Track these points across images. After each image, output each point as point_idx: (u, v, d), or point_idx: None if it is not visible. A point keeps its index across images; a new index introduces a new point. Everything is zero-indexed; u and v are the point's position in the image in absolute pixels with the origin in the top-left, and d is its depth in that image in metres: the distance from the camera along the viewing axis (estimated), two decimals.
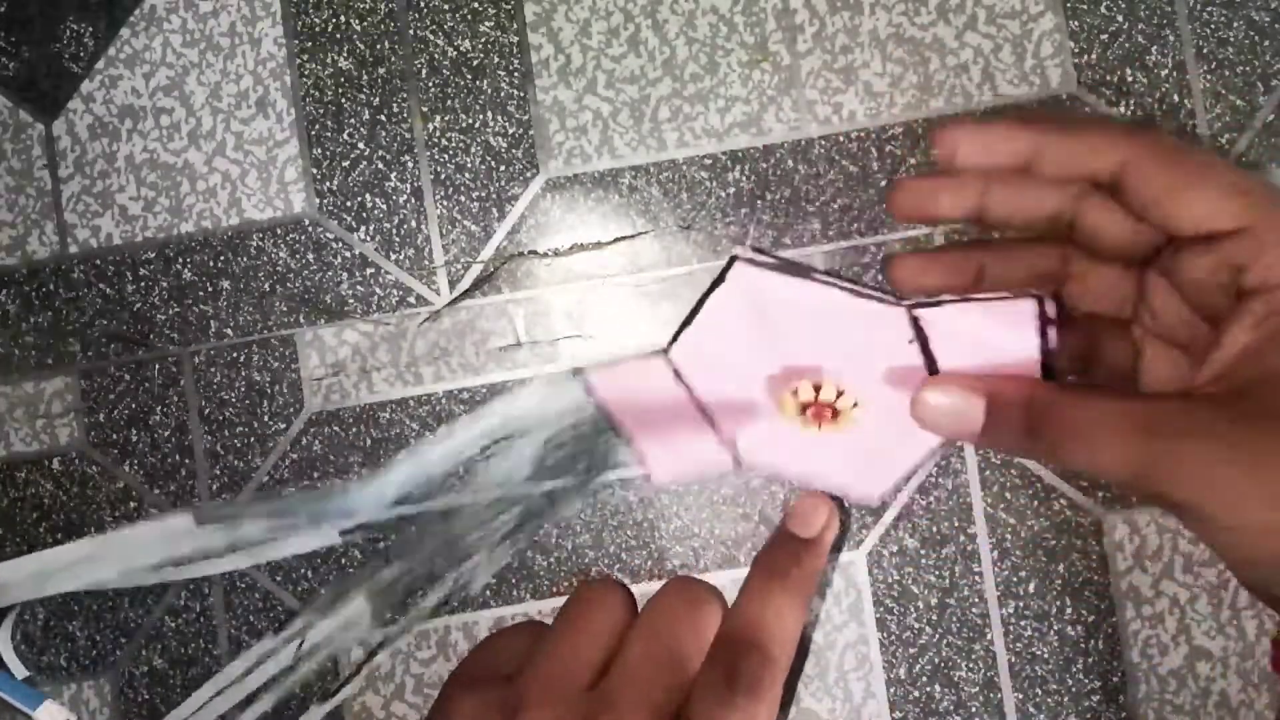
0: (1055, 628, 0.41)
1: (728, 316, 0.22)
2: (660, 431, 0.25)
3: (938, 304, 0.20)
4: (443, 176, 0.43)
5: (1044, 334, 0.20)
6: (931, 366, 0.21)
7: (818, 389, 0.22)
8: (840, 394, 0.22)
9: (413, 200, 0.43)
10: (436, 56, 0.44)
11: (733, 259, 0.21)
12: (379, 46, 0.44)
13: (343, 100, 0.44)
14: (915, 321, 0.21)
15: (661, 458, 0.26)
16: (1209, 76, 0.42)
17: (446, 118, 0.43)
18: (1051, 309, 0.20)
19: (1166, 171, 0.18)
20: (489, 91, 0.43)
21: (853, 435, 0.23)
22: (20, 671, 0.27)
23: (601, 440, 0.27)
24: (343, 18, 0.44)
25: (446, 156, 0.43)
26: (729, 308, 0.22)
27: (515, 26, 0.44)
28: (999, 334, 0.20)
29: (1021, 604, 0.41)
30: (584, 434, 0.27)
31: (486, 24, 0.44)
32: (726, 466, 0.26)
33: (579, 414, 0.26)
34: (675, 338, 0.23)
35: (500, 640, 0.23)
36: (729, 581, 0.42)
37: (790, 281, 0.21)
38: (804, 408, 0.23)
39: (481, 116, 0.43)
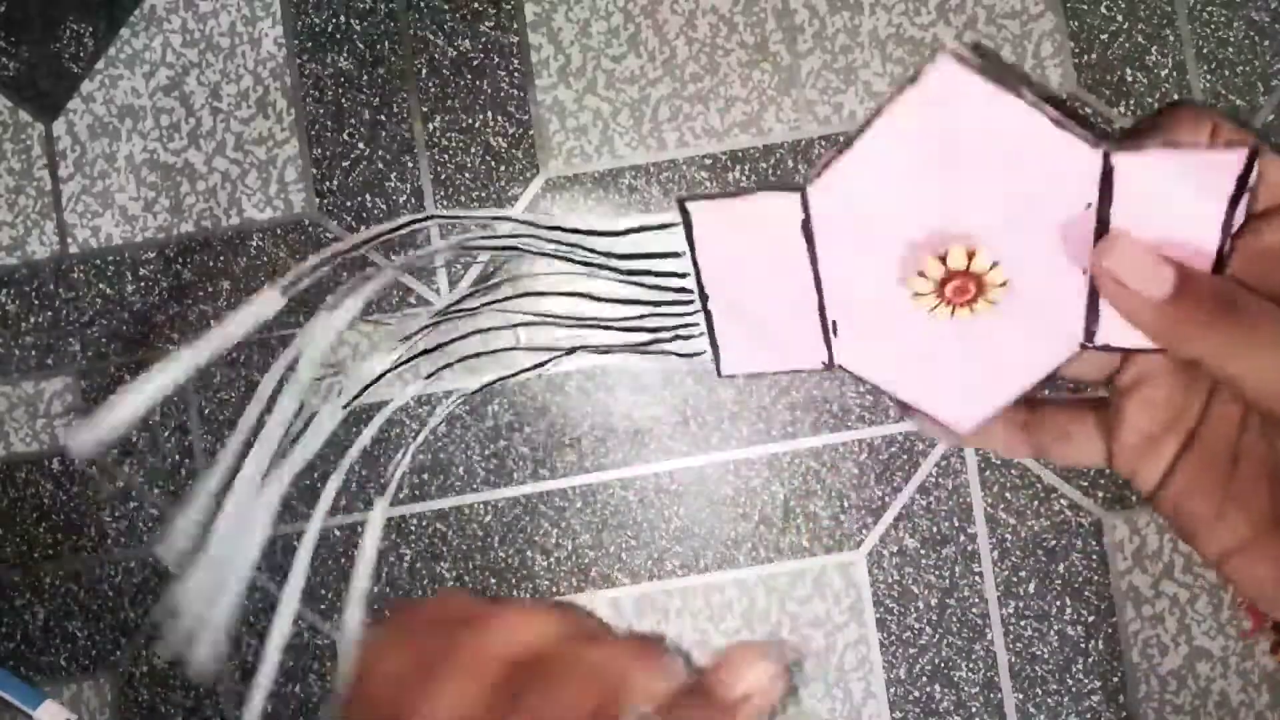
0: (1055, 628, 0.41)
1: (906, 136, 0.19)
2: (749, 303, 0.22)
3: (1139, 149, 0.18)
4: (443, 176, 0.43)
5: (1234, 201, 0.18)
6: (1098, 238, 0.19)
7: (970, 256, 0.19)
8: (994, 265, 0.19)
9: (413, 200, 0.43)
10: (436, 56, 0.44)
11: (936, 53, 0.18)
12: (379, 46, 0.44)
13: (343, 100, 0.44)
14: (1107, 175, 0.18)
15: (739, 340, 0.22)
16: (1209, 76, 0.42)
17: (446, 118, 0.43)
18: (1253, 174, 0.18)
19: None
20: (489, 91, 0.43)
21: (981, 328, 0.20)
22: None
23: (674, 316, 0.23)
24: (343, 18, 0.44)
25: (446, 156, 0.43)
26: (912, 123, 0.18)
27: (515, 26, 0.44)
28: (1189, 194, 0.18)
29: (1022, 604, 0.41)
30: (656, 285, 0.23)
31: (486, 24, 0.44)
32: (813, 364, 0.22)
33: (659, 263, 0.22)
34: (823, 169, 0.20)
35: (381, 665, 0.19)
36: (730, 581, 0.42)
37: (999, 94, 0.19)
38: (944, 282, 0.19)
39: (481, 116, 0.43)
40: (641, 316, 0.22)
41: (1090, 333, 0.20)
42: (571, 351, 0.23)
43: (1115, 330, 0.20)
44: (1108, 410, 0.22)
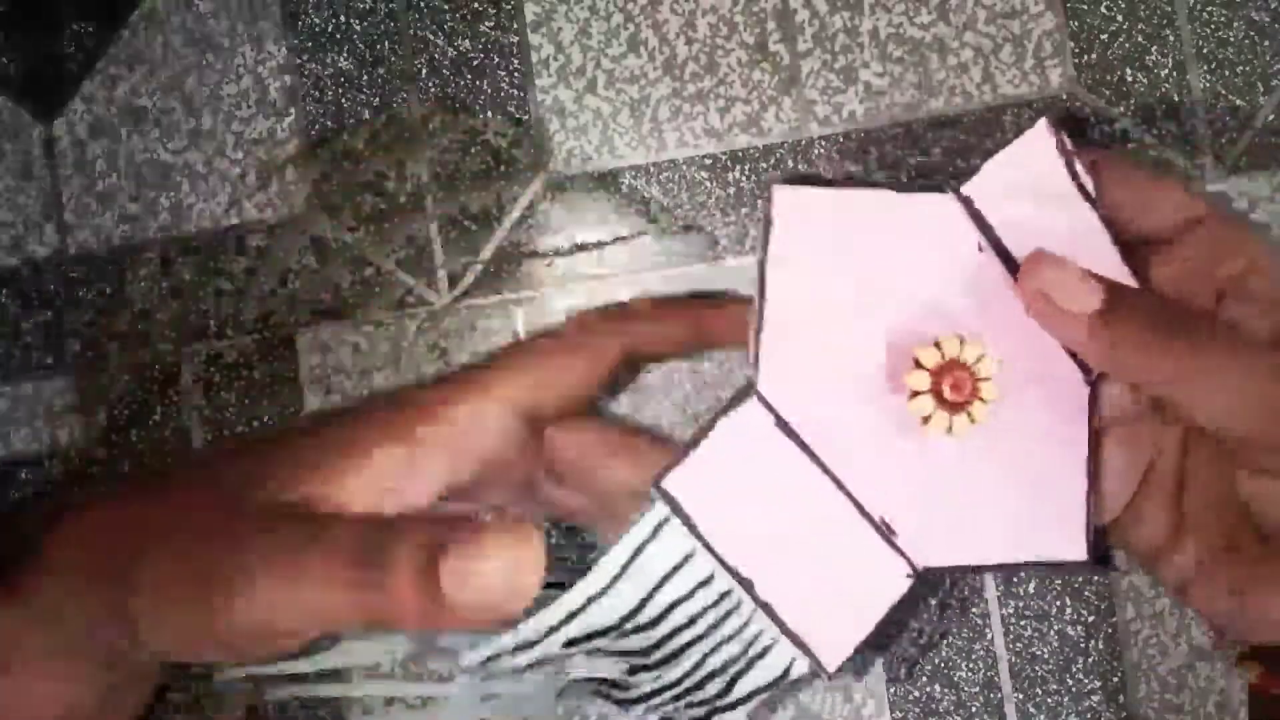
0: (1055, 628, 0.41)
1: (795, 277, 0.18)
2: (791, 555, 0.18)
3: (970, 173, 0.18)
4: (442, 176, 0.43)
5: (1067, 157, 0.18)
6: (1010, 263, 0.18)
7: (939, 347, 0.18)
8: (963, 343, 0.18)
9: (412, 200, 0.43)
10: (436, 56, 0.44)
11: (768, 189, 0.18)
12: (379, 46, 0.44)
13: (342, 100, 0.44)
14: (971, 209, 0.18)
15: (819, 622, 0.18)
16: (1209, 76, 0.42)
17: (446, 117, 0.43)
18: (1061, 133, 0.19)
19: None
20: (489, 91, 0.43)
21: (997, 432, 0.18)
22: None
23: (734, 640, 0.18)
24: (343, 18, 0.44)
25: (446, 156, 0.43)
26: (792, 261, 0.18)
27: (515, 26, 0.44)
28: (1034, 177, 0.18)
29: (1022, 604, 0.41)
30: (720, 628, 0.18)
31: (486, 24, 0.44)
32: (901, 585, 0.18)
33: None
34: (755, 359, 0.18)
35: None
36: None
37: (838, 192, 0.18)
38: (936, 385, 0.18)
39: (481, 116, 0.43)
40: (701, 663, 0.18)
41: (1085, 367, 0.19)
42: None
43: None
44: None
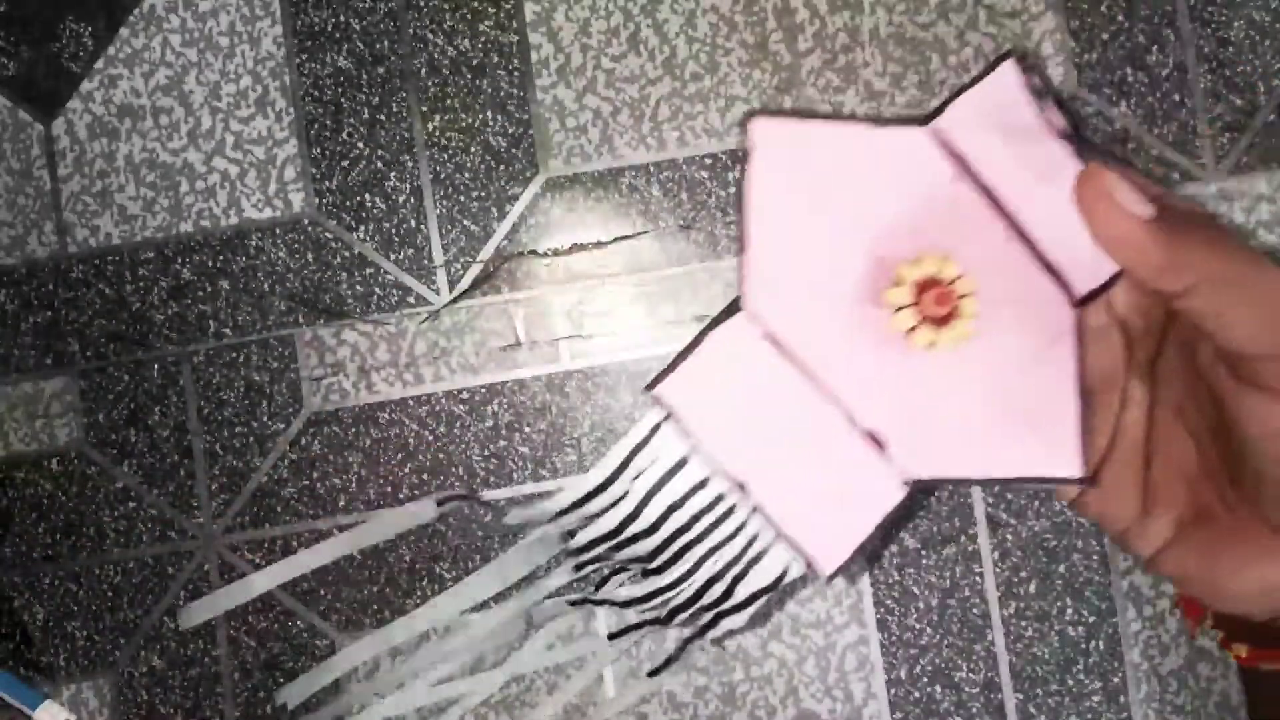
0: (1056, 628, 0.41)
1: (777, 206, 0.18)
2: (784, 460, 0.19)
3: (942, 108, 0.19)
4: (442, 176, 0.43)
5: (1036, 95, 0.19)
6: (992, 201, 0.18)
7: (919, 264, 0.18)
8: (944, 261, 0.18)
9: (412, 200, 0.43)
10: (436, 56, 0.44)
11: (747, 117, 0.18)
12: (379, 46, 0.44)
13: (342, 100, 0.44)
14: (944, 143, 0.18)
15: (815, 527, 0.19)
16: (1209, 76, 0.42)
17: (446, 117, 0.43)
18: (1029, 73, 0.19)
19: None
20: (489, 91, 0.43)
21: (983, 350, 0.19)
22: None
23: (733, 541, 0.19)
24: (342, 17, 0.44)
25: (446, 156, 0.43)
26: (772, 189, 0.18)
27: (515, 26, 0.44)
28: (1004, 113, 0.18)
29: (1022, 604, 0.41)
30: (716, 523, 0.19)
31: (486, 24, 0.44)
32: (894, 497, 0.19)
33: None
34: (741, 279, 0.18)
35: None
36: None
37: (813, 125, 0.18)
38: (918, 298, 0.18)
39: (481, 116, 0.43)
40: (696, 566, 0.19)
41: (1070, 292, 0.19)
42: (694, 638, 0.20)
43: (1084, 272, 0.19)
44: None
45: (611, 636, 0.19)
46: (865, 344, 0.19)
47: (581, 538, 0.19)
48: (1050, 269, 0.19)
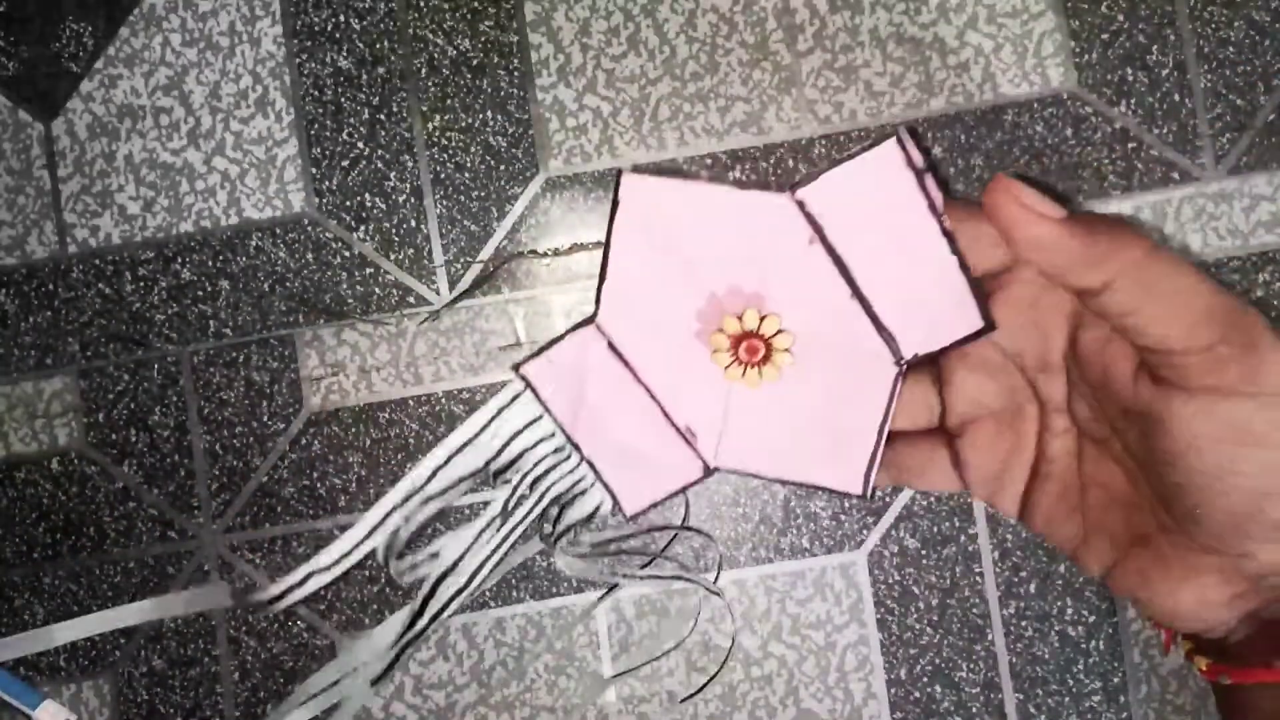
0: (1056, 628, 0.41)
1: (635, 248, 0.22)
2: (616, 436, 0.24)
3: (813, 178, 0.21)
4: (442, 176, 0.43)
5: (916, 171, 0.20)
6: (841, 266, 0.21)
7: (762, 319, 0.22)
8: (764, 318, 0.22)
9: (412, 200, 0.43)
10: (436, 56, 0.44)
11: (619, 173, 0.22)
12: (379, 46, 0.44)
13: (342, 100, 0.44)
14: (802, 207, 0.21)
15: (627, 477, 0.25)
16: (1209, 76, 0.42)
17: (446, 117, 0.43)
18: (913, 149, 0.20)
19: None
20: (489, 91, 0.43)
21: (800, 386, 0.23)
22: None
23: (564, 479, 0.25)
24: (342, 17, 0.44)
25: (446, 156, 0.43)
26: (633, 237, 0.22)
27: (515, 26, 0.43)
28: (878, 188, 0.20)
29: (1023, 604, 0.41)
30: (545, 473, 0.25)
31: (486, 23, 0.44)
32: (695, 474, 0.24)
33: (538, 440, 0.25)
34: (598, 299, 0.23)
35: None
36: (730, 581, 0.42)
37: (679, 184, 0.22)
38: (735, 346, 0.22)
39: (481, 116, 0.43)
40: (540, 498, 0.25)
41: (896, 352, 0.22)
42: (497, 566, 0.25)
43: (915, 338, 0.22)
44: (954, 448, 0.22)
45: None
46: (689, 365, 0.23)
47: (455, 467, 0.24)
48: (884, 331, 0.22)
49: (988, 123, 0.42)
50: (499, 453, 0.24)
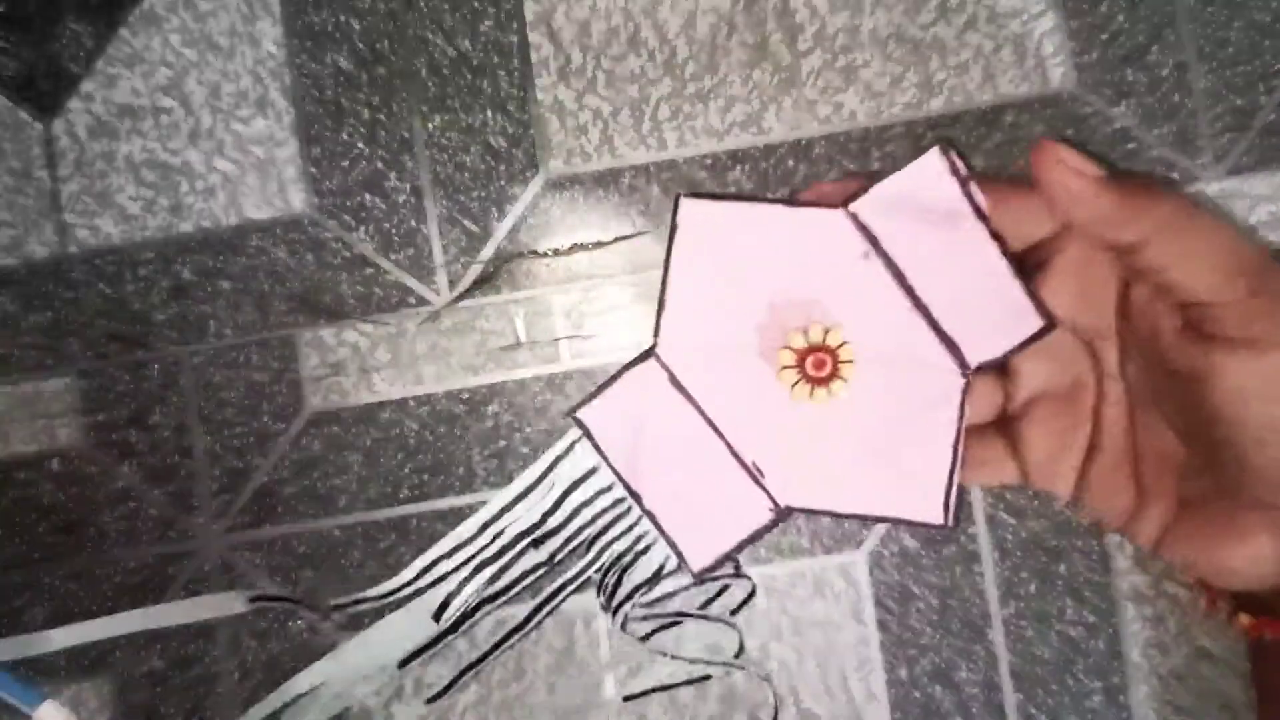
0: (1056, 628, 0.41)
1: (694, 273, 0.22)
2: (676, 483, 0.23)
3: (862, 192, 0.21)
4: (442, 176, 0.43)
5: (960, 179, 0.20)
6: (899, 277, 0.21)
7: (826, 332, 0.22)
8: (828, 331, 0.22)
9: (412, 200, 0.43)
10: (436, 56, 0.44)
11: (678, 197, 0.21)
12: (379, 46, 0.44)
13: (342, 100, 0.44)
14: (856, 220, 0.21)
15: (691, 529, 0.23)
16: (1209, 76, 0.42)
17: (446, 117, 0.43)
18: (955, 158, 0.20)
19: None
20: (489, 91, 0.43)
21: (866, 407, 0.22)
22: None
23: (624, 536, 0.24)
24: (342, 17, 0.44)
25: (446, 156, 0.43)
26: (691, 259, 0.22)
27: (515, 26, 0.44)
28: (926, 198, 0.20)
29: (1022, 604, 0.41)
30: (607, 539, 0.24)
31: (486, 24, 0.44)
32: (765, 517, 0.23)
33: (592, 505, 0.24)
34: (656, 329, 0.22)
35: None
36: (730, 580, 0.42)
37: (736, 206, 0.21)
38: (801, 362, 0.22)
39: (481, 116, 0.43)
40: (598, 556, 0.24)
41: (961, 361, 0.21)
42: (541, 611, 0.24)
43: (979, 346, 0.22)
44: (1012, 433, 0.23)
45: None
46: (755, 393, 0.22)
47: (509, 532, 0.23)
48: (947, 340, 0.21)
49: (988, 123, 0.42)
50: (555, 507, 0.23)
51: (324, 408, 0.43)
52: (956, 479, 0.22)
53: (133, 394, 0.43)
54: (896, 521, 0.22)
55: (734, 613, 0.26)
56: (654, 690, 0.39)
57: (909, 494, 0.22)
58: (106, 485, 0.43)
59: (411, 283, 0.43)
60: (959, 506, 0.22)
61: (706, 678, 0.33)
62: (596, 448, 0.23)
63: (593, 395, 0.23)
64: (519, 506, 0.23)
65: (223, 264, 0.43)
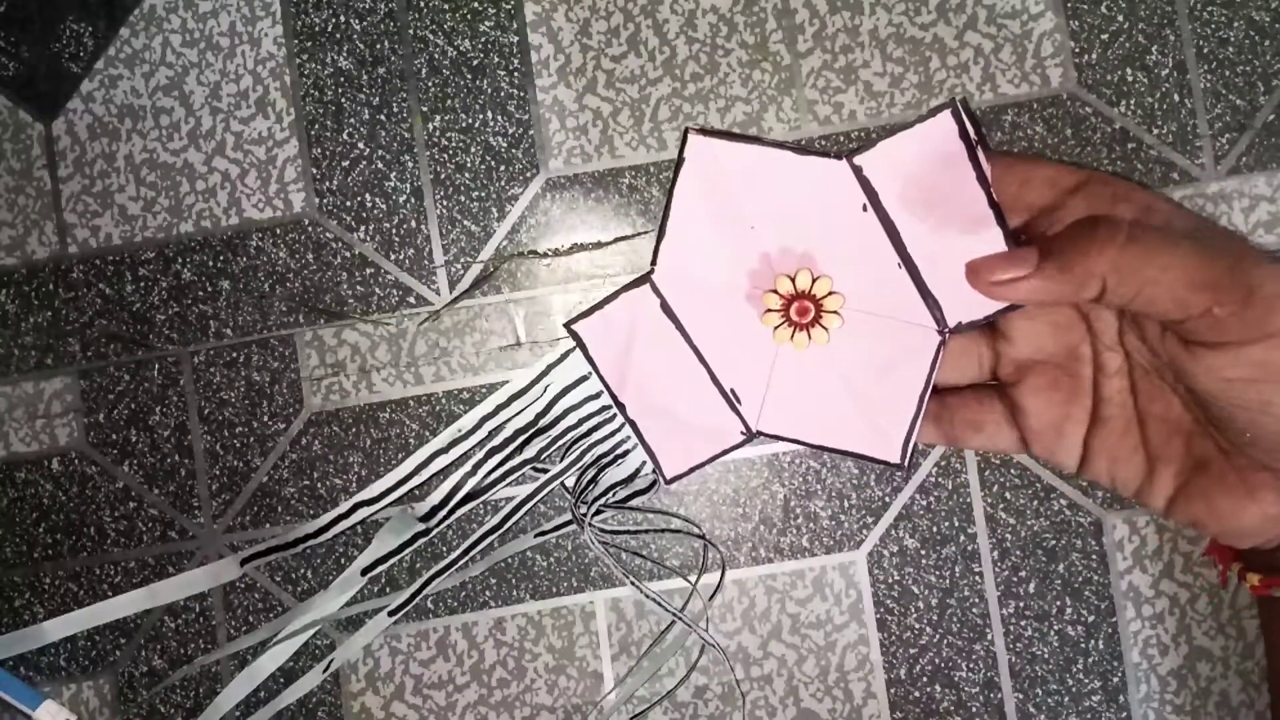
0: (1056, 628, 0.41)
1: (695, 207, 0.23)
2: (659, 398, 0.25)
3: (871, 145, 0.21)
4: (443, 176, 0.43)
5: (968, 144, 0.21)
6: (892, 233, 0.22)
7: (814, 280, 0.22)
8: (816, 279, 0.22)
9: (412, 200, 0.43)
10: (436, 56, 0.44)
11: (686, 131, 0.22)
12: (379, 46, 0.44)
13: (342, 100, 0.44)
14: (859, 173, 0.21)
15: (668, 439, 0.25)
16: (1209, 76, 0.42)
17: (446, 118, 0.43)
18: (967, 120, 0.21)
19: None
20: (489, 91, 0.43)
21: (844, 353, 0.23)
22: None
23: (607, 439, 0.25)
24: (342, 17, 0.44)
25: (446, 156, 0.43)
26: (694, 193, 0.23)
27: (515, 26, 0.44)
28: (933, 158, 0.21)
29: (1022, 604, 0.41)
30: (591, 444, 0.26)
31: (486, 24, 0.44)
32: (736, 438, 0.25)
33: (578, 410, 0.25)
34: (654, 257, 0.23)
35: None
36: (730, 581, 0.42)
37: (743, 147, 0.22)
38: (785, 308, 0.23)
39: (481, 116, 0.43)
40: (581, 456, 0.25)
41: (940, 320, 0.22)
42: (527, 501, 0.26)
43: (960, 307, 0.22)
44: (1010, 400, 0.23)
45: (540, 534, 0.27)
46: (738, 326, 0.24)
47: (507, 428, 0.25)
48: (930, 298, 0.22)
49: (987, 123, 0.42)
50: (548, 408, 0.25)
51: (324, 408, 0.43)
52: (918, 427, 0.23)
53: (133, 394, 0.43)
54: (856, 456, 0.24)
55: (651, 504, 0.28)
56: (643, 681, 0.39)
57: (872, 433, 0.24)
58: (107, 485, 0.43)
59: (411, 283, 0.43)
60: (914, 453, 0.24)
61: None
62: (588, 358, 0.24)
63: (590, 310, 0.24)
64: (515, 404, 0.25)
65: (223, 264, 0.43)
